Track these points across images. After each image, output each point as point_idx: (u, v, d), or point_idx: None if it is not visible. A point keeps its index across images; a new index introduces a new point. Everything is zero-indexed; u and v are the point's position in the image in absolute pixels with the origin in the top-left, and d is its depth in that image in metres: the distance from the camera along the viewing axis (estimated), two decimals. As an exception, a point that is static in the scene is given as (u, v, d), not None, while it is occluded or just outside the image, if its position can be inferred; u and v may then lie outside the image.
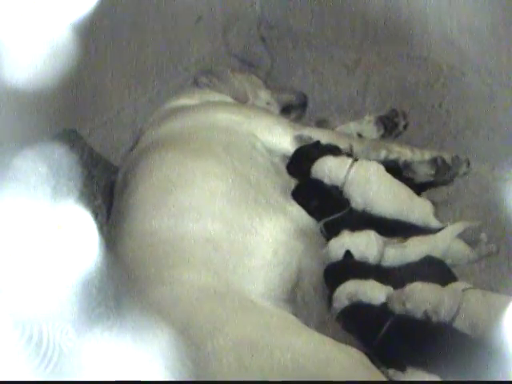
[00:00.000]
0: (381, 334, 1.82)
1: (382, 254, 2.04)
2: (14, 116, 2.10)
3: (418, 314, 1.84)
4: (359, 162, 2.24)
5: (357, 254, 2.02)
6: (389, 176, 2.22)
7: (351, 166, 2.22)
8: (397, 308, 1.86)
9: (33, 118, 2.19)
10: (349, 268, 2.00)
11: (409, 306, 1.85)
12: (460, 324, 1.80)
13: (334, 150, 2.29)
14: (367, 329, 1.86)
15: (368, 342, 1.83)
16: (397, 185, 2.21)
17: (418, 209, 2.16)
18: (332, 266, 2.01)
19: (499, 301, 1.80)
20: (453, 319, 1.81)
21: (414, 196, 2.20)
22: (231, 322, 1.74)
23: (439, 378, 1.73)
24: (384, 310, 1.88)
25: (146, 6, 2.70)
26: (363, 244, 2.04)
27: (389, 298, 1.89)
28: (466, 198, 2.31)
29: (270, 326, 1.75)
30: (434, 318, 1.82)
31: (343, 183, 2.20)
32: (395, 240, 2.10)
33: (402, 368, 1.76)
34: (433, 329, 1.82)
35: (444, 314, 1.82)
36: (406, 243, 2.07)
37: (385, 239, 2.08)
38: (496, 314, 1.76)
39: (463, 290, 1.85)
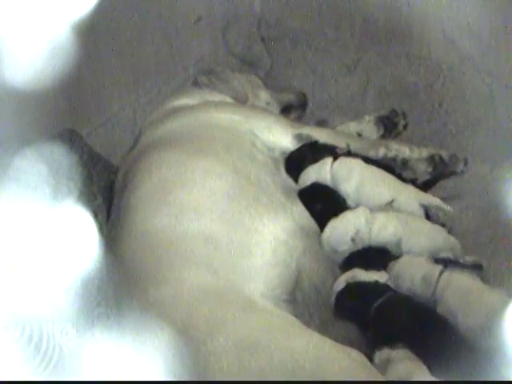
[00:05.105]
0: (373, 310, 1.84)
1: (371, 224, 2.05)
2: (14, 116, 2.10)
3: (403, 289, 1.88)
4: (338, 159, 2.24)
5: (350, 229, 2.04)
6: (370, 166, 2.23)
7: (332, 164, 2.22)
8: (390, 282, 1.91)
9: (33, 118, 2.19)
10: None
11: (393, 278, 1.90)
12: (441, 309, 1.80)
13: (330, 150, 2.29)
14: (360, 304, 1.88)
15: (361, 319, 1.85)
16: (379, 172, 2.21)
17: (407, 188, 2.17)
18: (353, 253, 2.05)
19: (483, 296, 1.78)
20: (435, 302, 1.81)
21: (399, 181, 2.22)
22: (231, 321, 1.74)
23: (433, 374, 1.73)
24: (377, 286, 1.90)
25: (146, 5, 2.71)
26: (354, 217, 2.06)
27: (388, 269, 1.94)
28: (465, 198, 2.31)
29: (270, 326, 1.75)
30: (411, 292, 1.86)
31: (333, 183, 2.20)
32: None
33: (393, 344, 1.76)
34: (425, 312, 1.83)
35: (422, 292, 1.84)
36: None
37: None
38: (477, 310, 1.74)
39: (450, 271, 1.85)
